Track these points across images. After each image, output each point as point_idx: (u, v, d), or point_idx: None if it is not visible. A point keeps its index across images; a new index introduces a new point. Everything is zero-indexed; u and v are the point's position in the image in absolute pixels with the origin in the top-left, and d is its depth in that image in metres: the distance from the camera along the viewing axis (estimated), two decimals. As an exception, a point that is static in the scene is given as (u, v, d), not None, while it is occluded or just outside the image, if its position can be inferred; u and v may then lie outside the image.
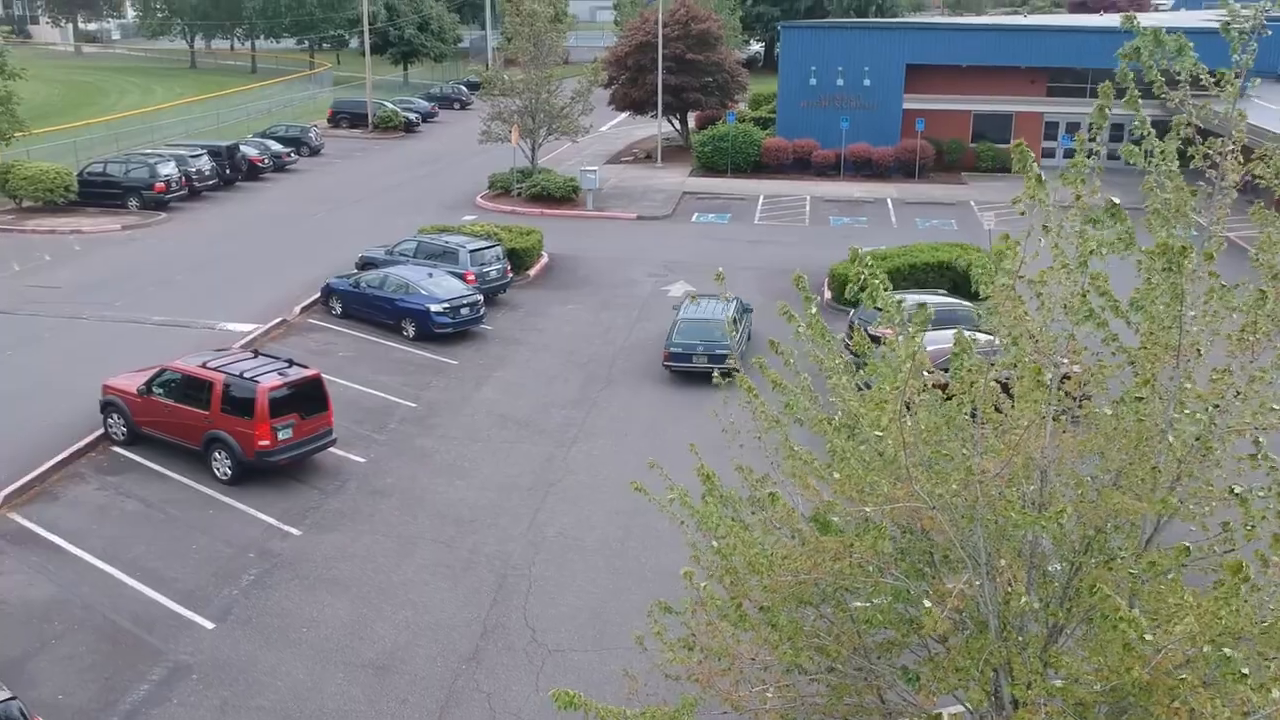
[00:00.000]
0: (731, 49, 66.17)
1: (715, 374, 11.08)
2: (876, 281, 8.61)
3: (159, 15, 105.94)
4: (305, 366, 22.43)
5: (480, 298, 31.02)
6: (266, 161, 54.12)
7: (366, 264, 34.89)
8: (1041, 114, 56.29)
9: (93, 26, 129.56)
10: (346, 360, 28.58)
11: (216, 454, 21.39)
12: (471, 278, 32.45)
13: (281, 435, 21.10)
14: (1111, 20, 78.55)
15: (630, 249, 40.98)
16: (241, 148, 53.29)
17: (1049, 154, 56.81)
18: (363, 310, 31.37)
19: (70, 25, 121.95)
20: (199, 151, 49.59)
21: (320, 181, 54.04)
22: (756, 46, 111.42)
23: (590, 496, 21.46)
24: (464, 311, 30.29)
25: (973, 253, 34.76)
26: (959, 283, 34.19)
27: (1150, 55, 8.35)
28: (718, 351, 26.58)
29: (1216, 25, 8.59)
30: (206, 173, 48.90)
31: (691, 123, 64.40)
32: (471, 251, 33.29)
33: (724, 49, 61.19)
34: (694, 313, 27.69)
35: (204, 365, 21.98)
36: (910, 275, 33.73)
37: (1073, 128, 56.04)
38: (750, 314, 30.13)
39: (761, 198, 49.98)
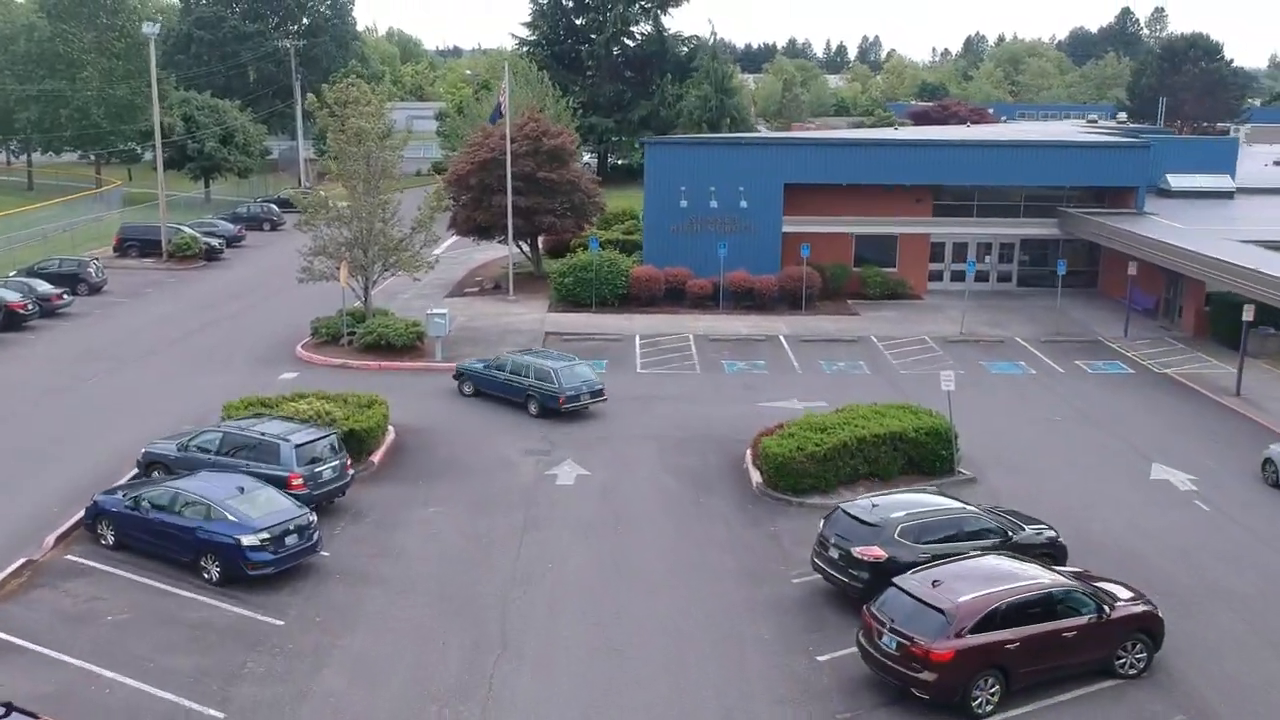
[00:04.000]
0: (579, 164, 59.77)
1: None
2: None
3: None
4: (33, 715, 13.71)
5: (313, 518, 22.53)
6: (31, 307, 43.97)
7: (153, 463, 26.12)
8: (928, 235, 51.66)
9: None
10: (117, 631, 19.68)
11: None
12: (298, 482, 24.10)
13: None
14: (990, 132, 75.03)
15: (496, 414, 33.24)
16: (-1, 291, 43.29)
17: (936, 276, 52.25)
18: (145, 541, 22.49)
19: None
20: (-62, 300, 39.50)
21: (100, 330, 44.32)
22: (588, 157, 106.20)
23: None
24: (290, 540, 21.80)
25: (925, 417, 28.57)
26: (913, 457, 27.86)
27: None
28: (595, 389, 33.52)
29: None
30: (-53, 326, 38.85)
31: (540, 245, 57.38)
32: (297, 446, 24.81)
33: (576, 166, 54.70)
34: (568, 368, 33.52)
35: None
36: (860, 452, 27.02)
37: (961, 250, 51.76)
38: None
39: (638, 338, 43.06)
